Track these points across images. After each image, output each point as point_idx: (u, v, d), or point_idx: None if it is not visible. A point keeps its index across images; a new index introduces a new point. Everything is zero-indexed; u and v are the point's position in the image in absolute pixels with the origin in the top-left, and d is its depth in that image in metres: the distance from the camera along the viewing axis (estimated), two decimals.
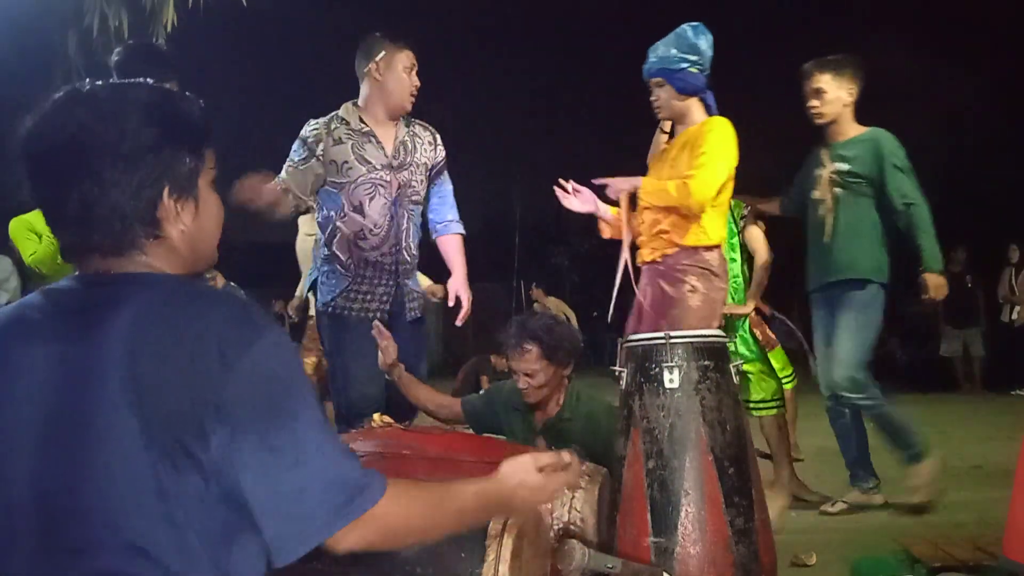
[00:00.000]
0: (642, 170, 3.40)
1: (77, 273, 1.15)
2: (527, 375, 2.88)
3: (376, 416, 2.53)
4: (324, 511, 1.06)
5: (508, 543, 1.65)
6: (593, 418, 2.92)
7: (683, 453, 2.36)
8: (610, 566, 1.69)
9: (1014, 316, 9.96)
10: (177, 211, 1.14)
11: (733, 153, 3.11)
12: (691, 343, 2.46)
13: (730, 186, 3.17)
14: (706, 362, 2.44)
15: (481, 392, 3.21)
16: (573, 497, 2.12)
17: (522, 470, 1.33)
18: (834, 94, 3.79)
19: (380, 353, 3.02)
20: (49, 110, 1.12)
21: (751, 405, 4.08)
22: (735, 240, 4.17)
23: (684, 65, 3.13)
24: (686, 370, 2.42)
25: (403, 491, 1.15)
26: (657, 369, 2.44)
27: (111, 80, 1.17)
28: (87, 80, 1.16)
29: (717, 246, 3.16)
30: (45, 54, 6.07)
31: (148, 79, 1.17)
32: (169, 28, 5.88)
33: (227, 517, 1.05)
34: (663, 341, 2.45)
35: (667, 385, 2.41)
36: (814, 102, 3.82)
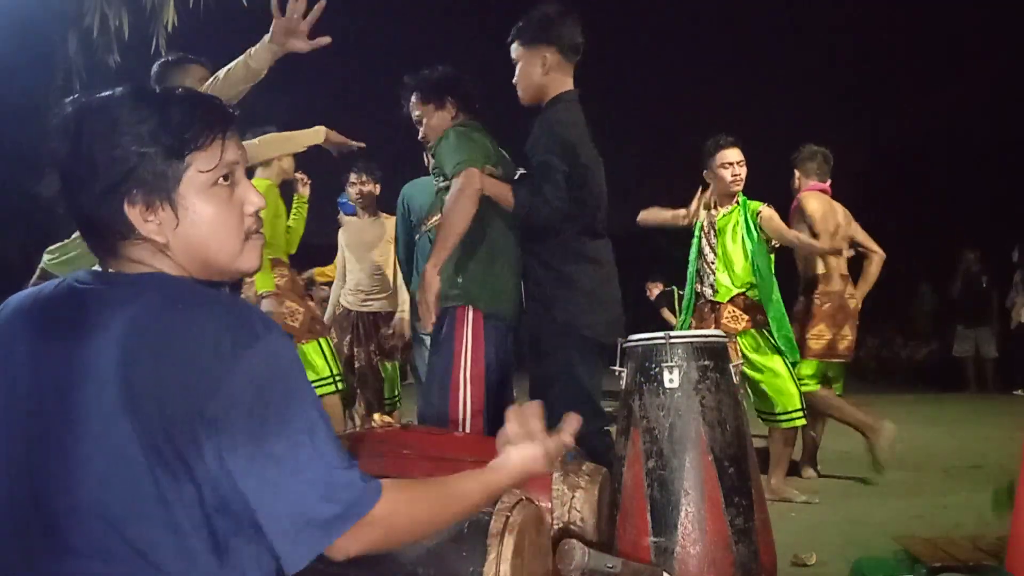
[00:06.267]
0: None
1: (95, 268, 1.16)
2: (418, 123, 3.18)
3: (376, 416, 2.53)
4: (323, 518, 1.05)
5: (509, 542, 1.65)
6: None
7: (683, 453, 2.36)
8: (610, 566, 1.69)
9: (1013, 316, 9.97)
10: (146, 219, 1.10)
11: None
12: (691, 343, 2.46)
13: None
14: (706, 362, 2.44)
15: None
16: (573, 497, 2.13)
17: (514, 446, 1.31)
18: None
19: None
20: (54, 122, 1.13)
21: (777, 417, 4.08)
22: (755, 235, 4.15)
23: None
24: (686, 370, 2.42)
25: (400, 490, 1.13)
26: (657, 369, 2.44)
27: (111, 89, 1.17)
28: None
29: None
30: (45, 54, 6.08)
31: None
32: (169, 28, 5.89)
33: (224, 524, 1.04)
34: (663, 341, 2.46)
35: (667, 385, 2.41)
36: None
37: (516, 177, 2.95)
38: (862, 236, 4.75)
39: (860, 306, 4.67)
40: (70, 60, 6.07)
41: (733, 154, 4.18)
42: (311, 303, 4.45)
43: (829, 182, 4.72)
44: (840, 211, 4.65)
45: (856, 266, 4.79)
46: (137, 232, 1.11)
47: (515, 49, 2.98)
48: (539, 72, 2.92)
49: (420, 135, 3.22)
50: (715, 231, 4.26)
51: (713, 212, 4.30)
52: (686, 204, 4.41)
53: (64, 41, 6.01)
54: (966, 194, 14.38)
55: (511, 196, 2.86)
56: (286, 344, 1.09)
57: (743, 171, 4.18)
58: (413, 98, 3.18)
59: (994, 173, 14.49)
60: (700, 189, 4.32)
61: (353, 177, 5.08)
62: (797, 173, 4.73)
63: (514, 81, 3.02)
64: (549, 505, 2.08)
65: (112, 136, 1.08)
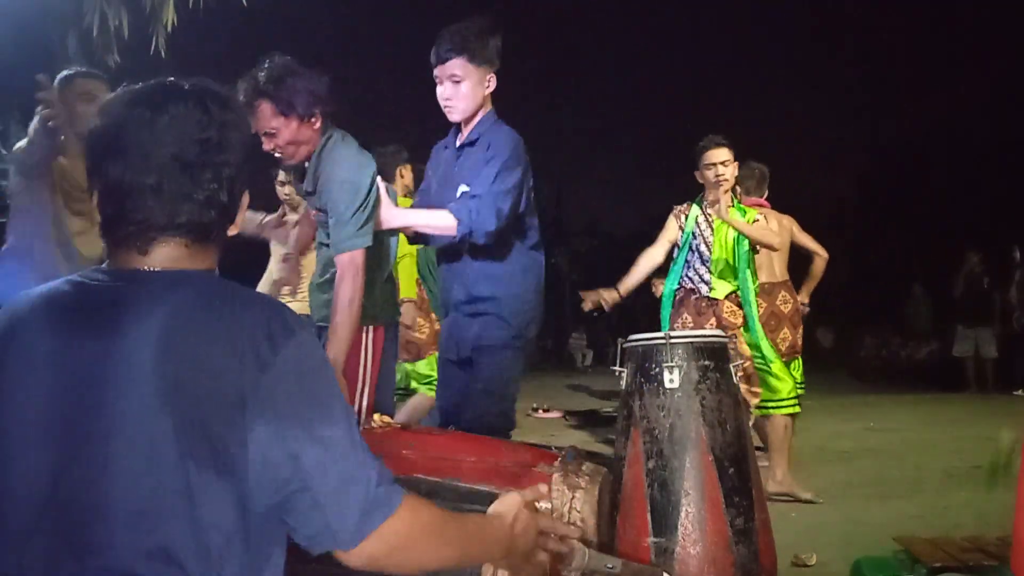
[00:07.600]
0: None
1: (105, 265, 1.14)
2: (268, 135, 2.69)
3: (376, 416, 2.53)
4: (379, 498, 1.08)
5: None
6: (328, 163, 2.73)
7: (683, 453, 2.36)
8: (610, 566, 1.68)
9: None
10: (242, 206, 1.20)
11: None
12: (691, 343, 2.47)
13: None
14: (706, 362, 2.44)
15: None
16: (573, 497, 2.12)
17: (515, 509, 1.32)
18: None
19: None
20: (149, 96, 1.14)
21: (771, 404, 4.12)
22: (745, 242, 4.20)
23: None
24: (686, 370, 2.42)
25: (417, 504, 1.14)
26: (657, 369, 2.44)
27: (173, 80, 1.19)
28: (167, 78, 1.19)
29: None
30: (45, 54, 6.08)
31: None
32: (169, 28, 5.89)
33: (247, 520, 1.04)
34: (663, 341, 2.46)
35: (667, 385, 2.41)
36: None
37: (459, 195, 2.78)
38: (806, 239, 5.22)
39: (801, 308, 5.04)
40: (70, 60, 6.06)
41: (717, 154, 4.22)
42: (434, 318, 4.53)
43: (766, 194, 5.03)
44: (775, 221, 4.86)
45: (804, 269, 5.30)
46: (229, 220, 1.18)
47: (461, 65, 2.79)
48: (483, 93, 2.84)
49: (269, 147, 2.76)
50: (712, 230, 4.29)
51: (710, 211, 4.32)
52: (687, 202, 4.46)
53: (64, 41, 6.01)
54: (966, 194, 14.38)
55: (449, 218, 2.71)
56: (317, 340, 1.14)
57: (727, 171, 4.21)
58: (267, 108, 2.68)
59: (994, 173, 14.48)
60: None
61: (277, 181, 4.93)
62: (738, 188, 4.79)
63: (447, 96, 2.82)
64: (549, 505, 2.08)
65: (244, 125, 1.20)
